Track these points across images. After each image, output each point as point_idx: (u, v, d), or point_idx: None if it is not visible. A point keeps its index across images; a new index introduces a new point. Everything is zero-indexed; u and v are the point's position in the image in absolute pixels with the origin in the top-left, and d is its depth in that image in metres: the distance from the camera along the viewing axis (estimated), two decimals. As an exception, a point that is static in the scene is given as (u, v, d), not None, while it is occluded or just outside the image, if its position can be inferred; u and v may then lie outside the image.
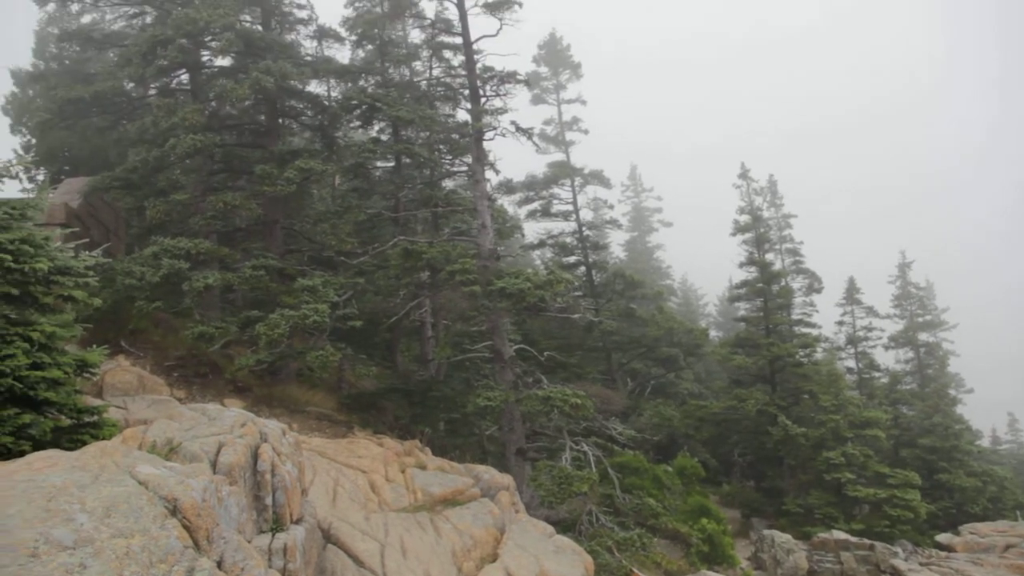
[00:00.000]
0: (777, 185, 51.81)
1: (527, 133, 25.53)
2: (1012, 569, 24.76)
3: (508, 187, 40.48)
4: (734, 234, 48.90)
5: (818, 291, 50.42)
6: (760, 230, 48.28)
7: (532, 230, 48.82)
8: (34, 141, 34.61)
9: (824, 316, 50.91)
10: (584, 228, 48.19)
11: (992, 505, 41.21)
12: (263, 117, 28.67)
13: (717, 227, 69.08)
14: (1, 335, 9.76)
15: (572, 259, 47.36)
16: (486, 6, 24.72)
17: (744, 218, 48.66)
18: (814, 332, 48.54)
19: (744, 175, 48.94)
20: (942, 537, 31.75)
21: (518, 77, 25.24)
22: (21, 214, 10.77)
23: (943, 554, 29.56)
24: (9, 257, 9.76)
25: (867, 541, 30.30)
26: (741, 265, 48.73)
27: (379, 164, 29.41)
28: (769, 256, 49.15)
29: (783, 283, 48.41)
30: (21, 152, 35.14)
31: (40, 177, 29.97)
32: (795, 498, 40.43)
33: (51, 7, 33.32)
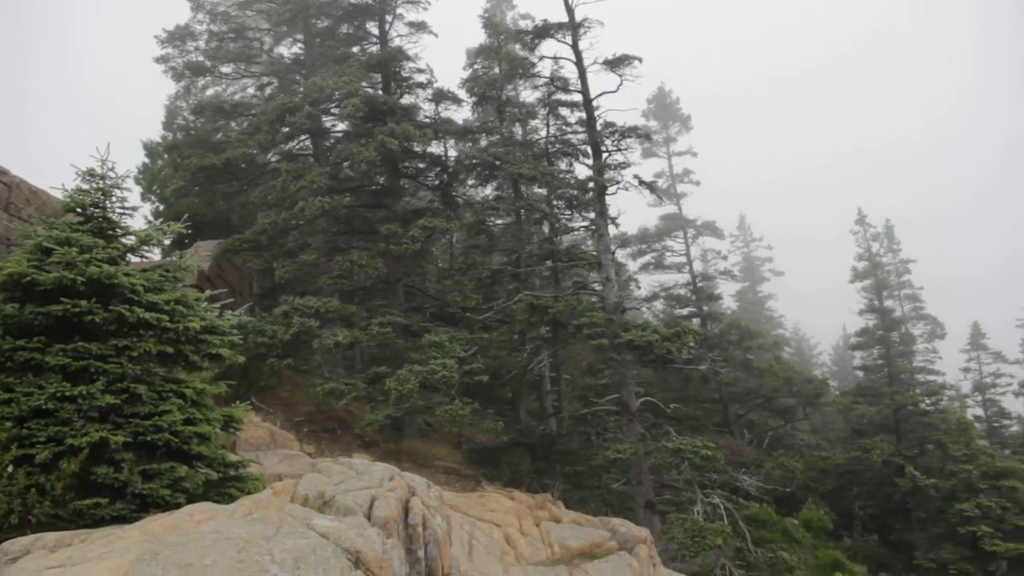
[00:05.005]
0: (894, 230, 50.66)
1: (649, 186, 25.70)
2: None
3: (622, 240, 40.51)
4: (852, 281, 48.04)
5: (941, 337, 49.01)
6: (879, 276, 47.22)
7: (644, 283, 48.75)
8: (162, 208, 36.21)
9: (948, 363, 49.39)
10: (697, 279, 47.84)
11: None
12: (383, 178, 29.47)
13: (829, 263, 67.78)
14: (158, 391, 10.09)
15: (686, 311, 47.04)
16: (606, 63, 25.07)
17: (862, 265, 47.77)
18: (938, 379, 47.06)
19: (861, 221, 48.11)
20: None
21: (638, 131, 25.51)
22: (174, 276, 11.22)
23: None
24: (166, 317, 10.11)
25: (1011, 599, 28.86)
26: (860, 312, 47.80)
27: (498, 221, 29.83)
28: (889, 303, 47.99)
29: (904, 330, 47.11)
30: (151, 219, 36.80)
31: (167, 242, 31.27)
32: (927, 552, 38.81)
33: (184, 82, 35.06)
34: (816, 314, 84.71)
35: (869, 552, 41.93)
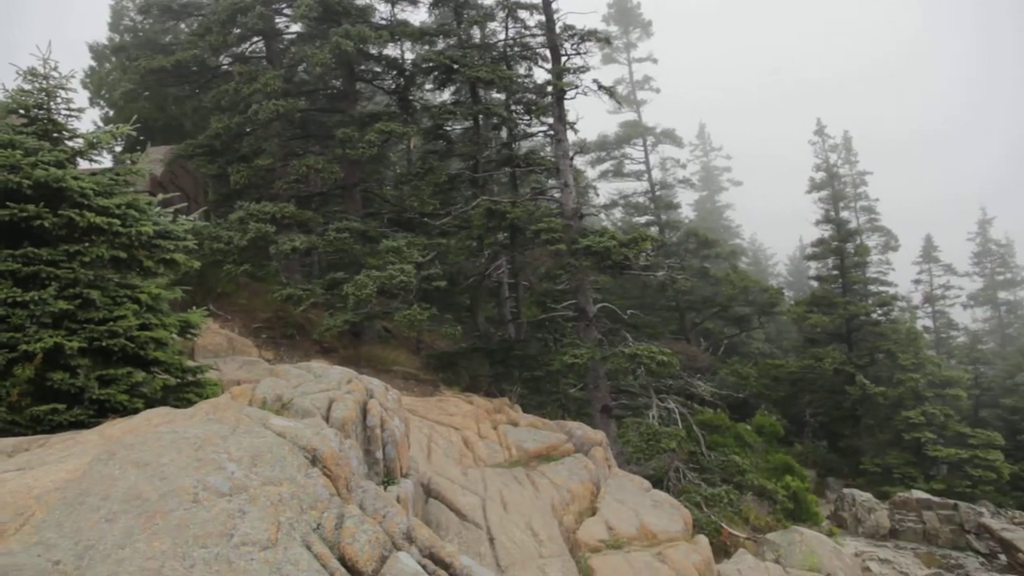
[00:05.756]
0: (852, 142, 50.84)
1: (609, 91, 25.37)
2: (1110, 530, 24.26)
3: (581, 147, 40.15)
4: (809, 191, 48.39)
5: (894, 249, 49.66)
6: (836, 187, 47.58)
7: (604, 190, 48.75)
8: (111, 113, 35.24)
9: (900, 275, 50.18)
10: (655, 188, 47.89)
11: (1078, 467, 40.20)
12: (339, 82, 28.88)
13: (785, 182, 68.25)
14: (112, 296, 9.98)
15: (644, 219, 47.18)
16: (567, -37, 24.62)
17: (819, 175, 48.14)
18: (890, 290, 47.91)
19: (820, 132, 48.22)
20: (1037, 496, 31.23)
21: (598, 35, 25.14)
22: (125, 180, 10.99)
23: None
24: (118, 221, 9.94)
25: (950, 501, 29.93)
26: (816, 223, 48.23)
27: (456, 126, 29.41)
28: (844, 214, 48.50)
29: (859, 241, 47.69)
30: (101, 124, 35.79)
31: (118, 148, 30.53)
32: (872, 457, 40.11)
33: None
34: (775, 229, 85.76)
35: (818, 457, 43.29)
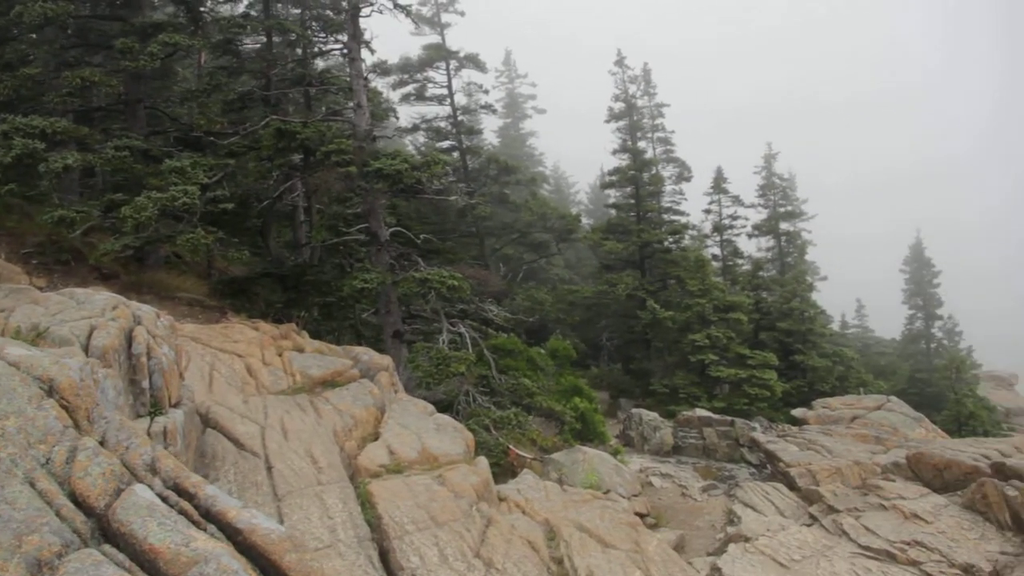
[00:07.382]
0: (651, 74, 51.95)
1: (405, 10, 24.79)
2: (857, 438, 26.52)
3: (382, 69, 39.11)
4: (608, 121, 49.50)
5: (687, 179, 51.51)
6: (634, 118, 48.87)
7: (406, 114, 48.02)
8: None
9: (692, 205, 52.26)
10: (458, 113, 47.56)
11: (840, 383, 43.63)
12: (122, -13, 26.93)
13: (589, 116, 69.49)
14: None
15: (446, 144, 46.85)
16: None
17: (618, 105, 49.27)
18: (683, 220, 50.02)
19: (620, 62, 49.29)
20: (797, 411, 33.68)
21: (395, -50, 24.50)
22: None
23: (795, 428, 31.24)
24: None
25: (728, 418, 31.81)
26: (614, 152, 49.56)
27: (248, 42, 28.07)
28: (641, 144, 49.97)
29: (654, 171, 49.24)
30: None
31: None
32: (661, 379, 42.17)
33: None
34: (581, 165, 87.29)
35: (613, 379, 45.11)
